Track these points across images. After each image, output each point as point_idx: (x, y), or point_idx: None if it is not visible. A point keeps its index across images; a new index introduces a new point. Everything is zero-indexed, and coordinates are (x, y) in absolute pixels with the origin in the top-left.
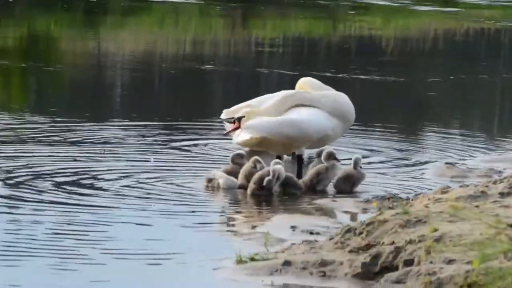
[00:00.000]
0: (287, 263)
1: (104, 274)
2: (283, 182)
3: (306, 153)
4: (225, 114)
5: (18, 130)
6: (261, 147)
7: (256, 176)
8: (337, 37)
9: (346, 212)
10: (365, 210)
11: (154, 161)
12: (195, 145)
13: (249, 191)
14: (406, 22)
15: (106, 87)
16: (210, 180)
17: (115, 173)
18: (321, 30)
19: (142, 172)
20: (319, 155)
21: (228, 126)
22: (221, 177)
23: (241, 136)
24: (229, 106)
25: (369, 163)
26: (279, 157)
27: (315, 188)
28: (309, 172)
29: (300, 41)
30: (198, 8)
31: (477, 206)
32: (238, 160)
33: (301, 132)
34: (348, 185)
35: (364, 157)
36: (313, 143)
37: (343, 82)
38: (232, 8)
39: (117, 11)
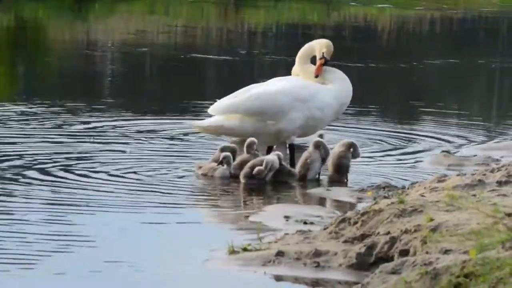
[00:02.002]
0: (280, 253)
1: (95, 266)
2: (276, 170)
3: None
4: (211, 110)
5: (5, 119)
6: (227, 130)
7: (249, 164)
8: (332, 24)
9: (340, 201)
10: (360, 200)
11: (131, 152)
12: (185, 133)
13: (241, 175)
14: (401, 10)
15: (95, 75)
16: (200, 167)
17: (103, 162)
18: (315, 17)
19: (131, 161)
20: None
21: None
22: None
23: (209, 121)
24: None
25: (365, 151)
26: (270, 148)
27: (307, 178)
28: (299, 162)
29: (294, 28)
30: None
31: (474, 195)
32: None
33: (269, 102)
34: (342, 175)
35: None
36: (298, 122)
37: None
38: None
39: None
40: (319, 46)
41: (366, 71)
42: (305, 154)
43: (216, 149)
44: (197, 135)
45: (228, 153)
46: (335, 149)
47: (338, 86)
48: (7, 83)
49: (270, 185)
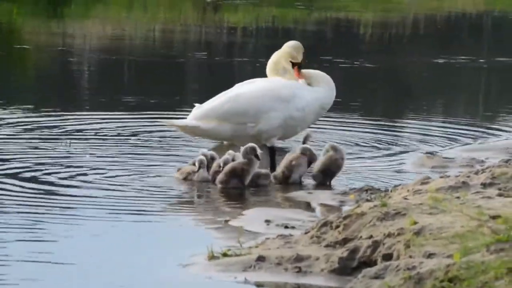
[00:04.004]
0: (261, 258)
1: (70, 273)
2: (254, 174)
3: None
4: (191, 117)
5: None
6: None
7: (227, 168)
8: (313, 22)
9: (322, 205)
10: (342, 203)
11: (90, 156)
12: (164, 136)
13: (217, 180)
14: (385, 6)
15: (71, 77)
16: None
17: (80, 166)
18: (296, 16)
19: (109, 165)
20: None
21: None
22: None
23: (190, 122)
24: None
25: (347, 153)
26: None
27: (289, 180)
28: (281, 163)
29: (274, 27)
30: None
31: (458, 198)
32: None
33: (248, 104)
34: (326, 179)
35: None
36: (277, 123)
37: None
38: None
39: None
40: (285, 56)
41: (349, 71)
42: (290, 156)
43: (197, 151)
44: (176, 137)
45: (202, 157)
46: (331, 153)
47: (321, 88)
48: None
49: (251, 189)
